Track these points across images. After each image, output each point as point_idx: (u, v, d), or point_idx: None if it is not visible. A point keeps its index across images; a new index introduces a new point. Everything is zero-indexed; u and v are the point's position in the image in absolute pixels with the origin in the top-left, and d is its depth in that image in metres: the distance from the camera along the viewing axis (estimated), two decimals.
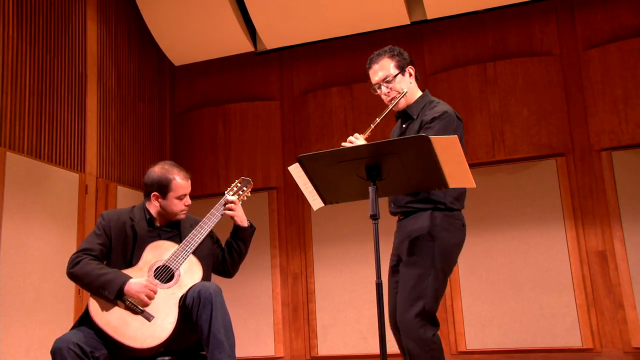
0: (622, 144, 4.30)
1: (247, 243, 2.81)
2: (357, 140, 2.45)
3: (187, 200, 2.72)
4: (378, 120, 2.50)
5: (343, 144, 2.45)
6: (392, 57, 2.60)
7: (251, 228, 2.82)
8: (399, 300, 2.48)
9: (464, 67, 4.78)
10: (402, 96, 2.56)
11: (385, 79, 2.59)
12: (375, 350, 4.51)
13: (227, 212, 2.76)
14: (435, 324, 2.41)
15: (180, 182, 2.68)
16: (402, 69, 2.59)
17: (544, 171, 4.47)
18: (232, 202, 2.78)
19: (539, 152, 4.49)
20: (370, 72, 2.65)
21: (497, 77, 4.66)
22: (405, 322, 2.41)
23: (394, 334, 2.58)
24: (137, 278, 2.48)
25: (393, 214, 2.69)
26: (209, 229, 2.71)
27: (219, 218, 2.76)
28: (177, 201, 2.68)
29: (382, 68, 2.60)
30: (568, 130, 4.48)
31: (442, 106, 2.55)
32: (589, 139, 4.43)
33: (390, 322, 2.58)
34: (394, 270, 2.64)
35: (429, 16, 4.78)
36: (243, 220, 2.79)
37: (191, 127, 5.47)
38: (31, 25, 3.95)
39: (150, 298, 2.45)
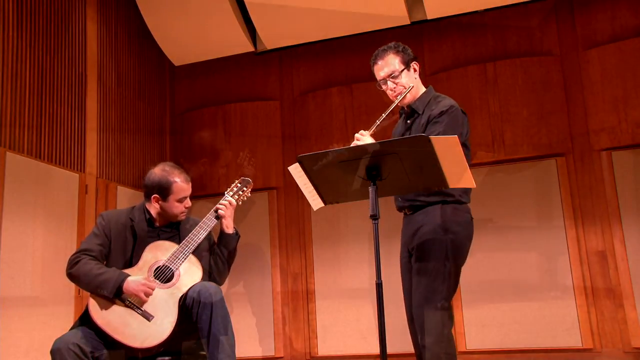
0: (622, 144, 4.30)
1: (230, 249, 2.78)
2: (364, 137, 2.46)
3: (187, 202, 2.73)
4: (384, 115, 2.51)
5: (352, 143, 2.45)
6: (397, 52, 2.64)
7: (236, 235, 2.81)
8: (414, 296, 2.50)
9: (464, 67, 4.78)
10: (408, 91, 2.60)
11: (391, 74, 2.61)
12: (375, 350, 4.51)
13: (220, 211, 2.75)
14: (451, 319, 2.43)
15: (181, 184, 2.69)
16: (407, 65, 2.63)
17: (544, 171, 4.47)
18: (226, 205, 2.77)
19: (539, 152, 4.49)
20: (375, 68, 2.68)
21: (497, 77, 4.66)
22: (422, 318, 2.42)
23: (411, 331, 2.58)
24: (136, 276, 2.49)
25: (400, 208, 2.70)
26: (209, 230, 2.72)
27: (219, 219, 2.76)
28: (177, 203, 2.69)
29: (388, 64, 2.63)
30: (568, 130, 4.48)
31: (448, 100, 2.58)
32: (589, 139, 4.43)
33: (408, 318, 2.59)
34: (406, 266, 2.65)
35: (429, 16, 4.78)
36: (230, 226, 2.78)
37: (191, 127, 5.47)
38: (31, 25, 3.95)
39: (148, 295, 2.45)
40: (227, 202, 2.78)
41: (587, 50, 4.52)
